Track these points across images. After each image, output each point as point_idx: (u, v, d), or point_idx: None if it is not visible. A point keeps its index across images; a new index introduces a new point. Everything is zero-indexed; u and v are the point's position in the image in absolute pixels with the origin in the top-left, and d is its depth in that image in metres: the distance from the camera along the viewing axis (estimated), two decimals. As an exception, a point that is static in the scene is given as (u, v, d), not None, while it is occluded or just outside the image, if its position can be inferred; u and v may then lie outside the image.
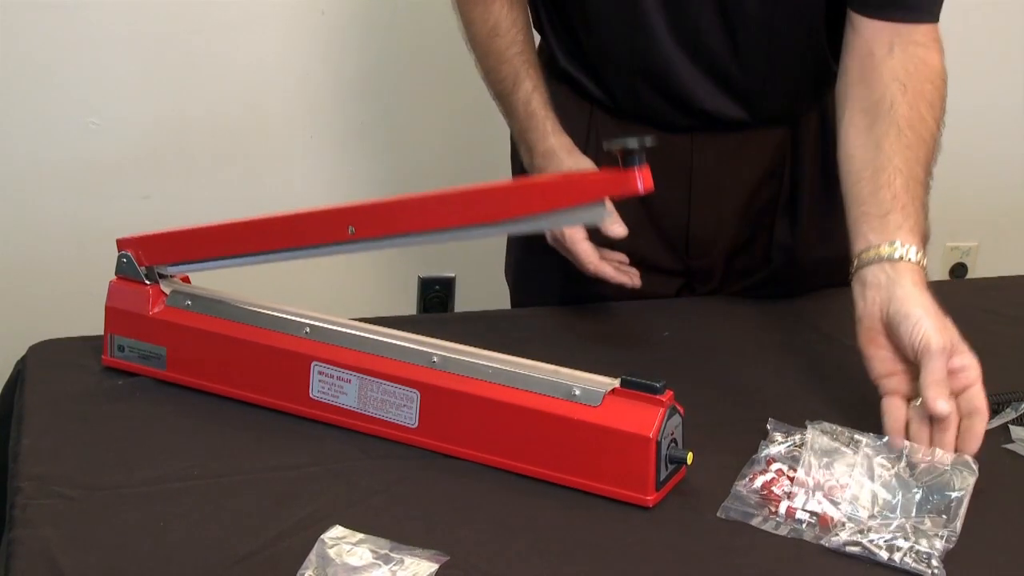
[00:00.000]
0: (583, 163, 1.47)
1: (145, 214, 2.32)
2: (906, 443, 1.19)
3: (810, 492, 1.13)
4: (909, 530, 1.09)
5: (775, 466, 1.17)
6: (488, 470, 1.18)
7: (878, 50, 1.38)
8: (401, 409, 1.21)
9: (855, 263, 1.32)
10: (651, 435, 1.11)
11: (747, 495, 1.14)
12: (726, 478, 1.17)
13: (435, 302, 2.60)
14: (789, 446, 1.20)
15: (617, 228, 1.38)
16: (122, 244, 1.32)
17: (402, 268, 2.57)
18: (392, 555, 1.01)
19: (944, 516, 1.11)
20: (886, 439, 1.19)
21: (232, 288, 1.33)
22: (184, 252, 1.31)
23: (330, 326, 1.26)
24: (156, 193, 2.35)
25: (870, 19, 1.38)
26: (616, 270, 1.45)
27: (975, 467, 1.16)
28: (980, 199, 2.76)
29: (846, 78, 1.41)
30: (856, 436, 1.19)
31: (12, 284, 2.33)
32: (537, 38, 1.59)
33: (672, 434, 1.14)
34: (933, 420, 1.19)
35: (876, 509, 1.12)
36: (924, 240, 1.32)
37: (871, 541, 1.07)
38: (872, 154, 1.35)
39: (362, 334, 1.25)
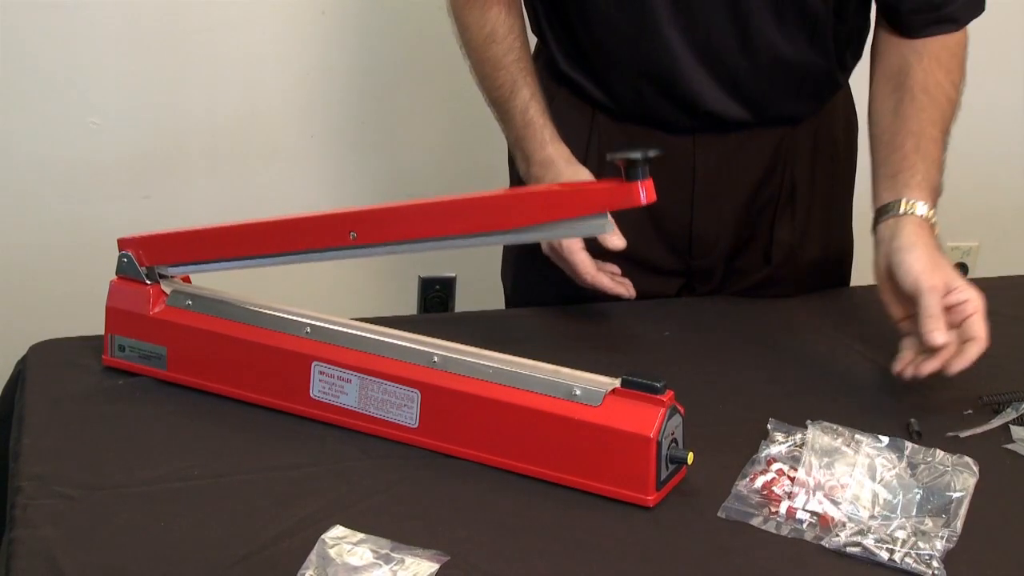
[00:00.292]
0: (581, 173, 1.46)
1: (145, 214, 2.32)
2: (907, 444, 1.19)
3: (811, 492, 1.13)
4: (910, 530, 1.09)
5: (776, 466, 1.17)
6: (488, 470, 1.18)
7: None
8: (401, 409, 1.21)
9: (874, 218, 1.41)
10: (652, 435, 1.11)
11: (748, 495, 1.14)
12: (726, 478, 1.17)
13: (435, 302, 2.60)
14: (790, 446, 1.20)
15: (616, 240, 1.39)
16: (123, 244, 1.32)
17: (402, 268, 2.57)
18: (393, 555, 1.01)
19: (944, 516, 1.11)
20: (887, 440, 1.19)
21: (233, 288, 1.33)
22: (185, 253, 1.31)
23: (331, 326, 1.26)
24: (156, 193, 2.34)
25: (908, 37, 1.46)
26: (612, 281, 1.45)
27: (975, 468, 1.17)
28: (980, 199, 2.75)
29: (874, 49, 1.49)
30: (857, 436, 1.19)
31: (12, 284, 2.33)
32: (533, 41, 1.59)
33: (672, 434, 1.14)
34: (934, 352, 1.28)
35: (877, 509, 1.12)
36: (934, 192, 1.43)
37: (871, 541, 1.07)
38: (889, 120, 1.44)
39: (362, 334, 1.25)
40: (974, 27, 1.67)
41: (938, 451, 1.18)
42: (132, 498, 1.11)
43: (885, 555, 1.06)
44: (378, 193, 2.43)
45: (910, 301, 1.32)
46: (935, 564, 1.05)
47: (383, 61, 2.40)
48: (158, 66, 2.28)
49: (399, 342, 1.23)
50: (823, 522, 1.11)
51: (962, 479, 1.15)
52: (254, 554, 1.04)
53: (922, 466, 1.17)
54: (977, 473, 1.16)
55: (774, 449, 1.20)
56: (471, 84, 2.32)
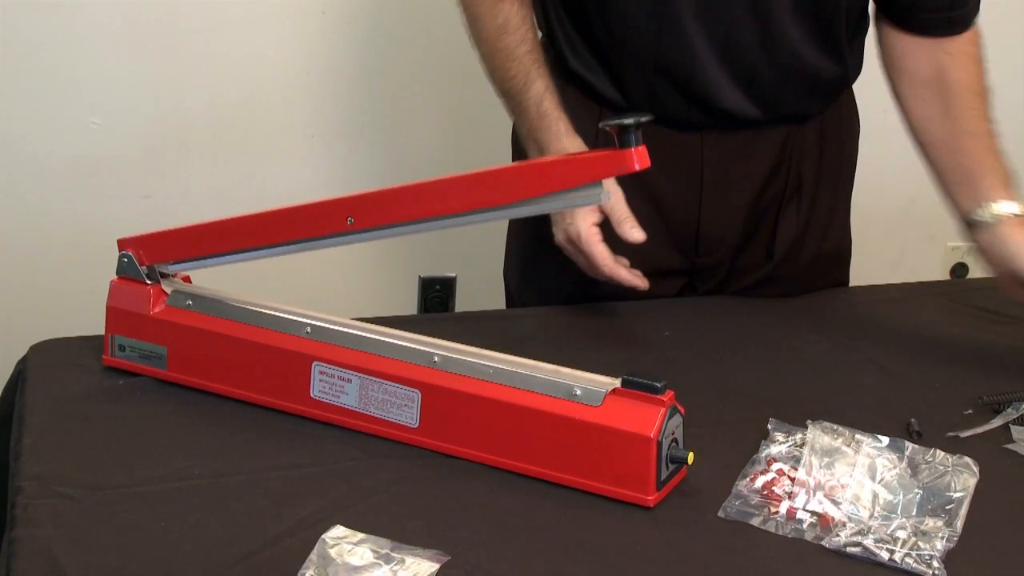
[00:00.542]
0: None
1: (145, 213, 2.32)
2: (907, 444, 1.19)
3: (811, 492, 1.13)
4: (910, 530, 1.09)
5: (776, 466, 1.17)
6: (489, 470, 1.18)
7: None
8: (402, 409, 1.21)
9: (966, 228, 1.49)
10: (652, 435, 1.11)
11: (748, 495, 1.14)
12: (727, 478, 1.17)
13: (435, 302, 2.60)
14: (790, 446, 1.20)
15: (636, 233, 1.40)
16: (123, 244, 1.32)
17: (403, 268, 2.57)
18: (393, 555, 1.01)
19: (945, 516, 1.11)
20: (887, 440, 1.19)
21: (233, 288, 1.33)
22: (184, 250, 1.31)
23: (331, 326, 1.26)
24: (157, 192, 2.34)
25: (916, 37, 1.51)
26: (629, 273, 1.45)
27: (976, 468, 1.17)
28: (980, 199, 2.75)
29: (893, 57, 1.53)
30: (857, 436, 1.19)
31: (12, 284, 2.33)
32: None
33: (673, 434, 1.14)
34: None
35: (877, 509, 1.12)
36: (1007, 181, 1.48)
37: (872, 541, 1.07)
38: (939, 124, 1.50)
39: (363, 334, 1.25)
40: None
41: (938, 451, 1.18)
42: (132, 498, 1.11)
43: (885, 555, 1.06)
44: (378, 193, 2.43)
45: None
46: (935, 564, 1.05)
47: (383, 61, 2.40)
48: (158, 66, 2.28)
49: (399, 342, 1.23)
50: (823, 522, 1.11)
51: (962, 479, 1.15)
52: (254, 554, 1.04)
53: (922, 466, 1.17)
54: (977, 473, 1.16)
55: (774, 449, 1.20)
56: (471, 83, 2.32)
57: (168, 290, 1.32)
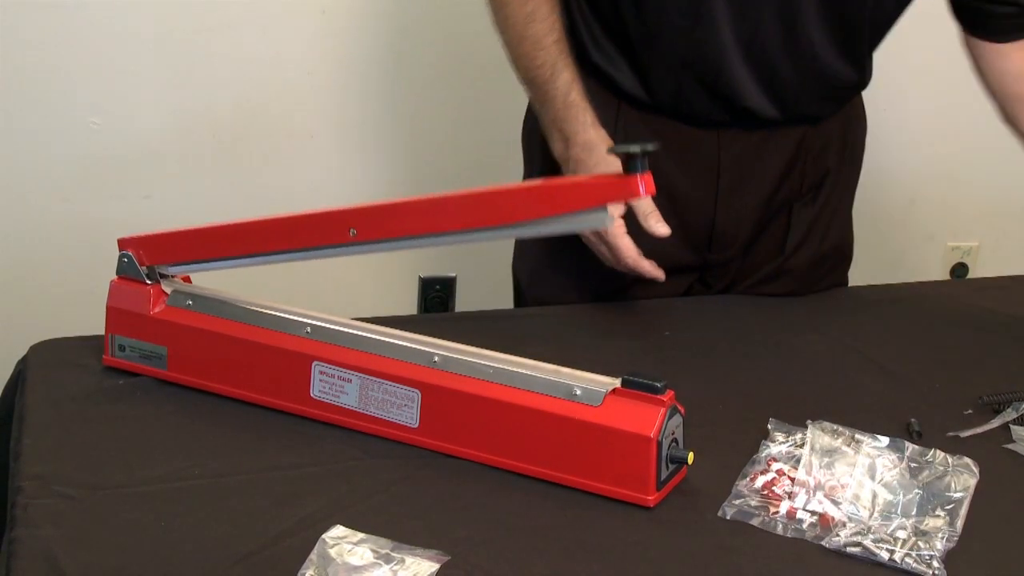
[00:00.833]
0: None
1: (146, 214, 2.32)
2: (907, 444, 1.19)
3: (811, 492, 1.13)
4: (910, 530, 1.09)
5: (776, 466, 1.17)
6: (488, 470, 1.18)
7: None
8: (402, 409, 1.21)
9: None
10: (652, 435, 1.11)
11: (748, 495, 1.14)
12: (727, 478, 1.17)
13: (435, 302, 2.60)
14: (790, 446, 1.20)
15: (661, 227, 1.41)
16: (123, 244, 1.32)
17: (403, 268, 2.57)
18: (393, 555, 1.01)
19: (945, 516, 1.11)
20: (887, 440, 1.19)
21: (233, 288, 1.33)
22: (185, 252, 1.31)
23: (331, 326, 1.26)
24: (157, 193, 2.34)
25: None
26: (651, 265, 1.46)
27: (976, 469, 1.17)
28: (980, 199, 2.76)
29: (992, 72, 1.58)
30: (857, 436, 1.19)
31: (12, 284, 2.33)
32: None
33: (673, 434, 1.14)
34: None
35: (877, 509, 1.12)
36: None
37: (872, 541, 1.07)
38: None
39: (363, 334, 1.25)
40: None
41: (938, 451, 1.18)
42: (132, 498, 1.11)
43: (885, 555, 1.06)
44: (378, 193, 2.43)
45: None
46: (935, 564, 1.05)
47: (384, 60, 2.40)
48: (158, 66, 2.28)
49: (399, 342, 1.23)
50: (823, 522, 1.11)
51: (962, 479, 1.15)
52: (254, 554, 1.04)
53: (922, 466, 1.17)
54: (977, 474, 1.16)
55: (774, 449, 1.20)
56: (472, 83, 2.32)
57: (168, 290, 1.32)
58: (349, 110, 2.41)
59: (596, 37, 1.55)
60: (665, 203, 1.49)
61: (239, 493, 1.12)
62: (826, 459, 1.16)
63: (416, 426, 1.21)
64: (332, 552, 1.00)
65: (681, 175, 1.54)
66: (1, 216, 2.29)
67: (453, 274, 2.59)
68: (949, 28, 1.57)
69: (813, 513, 1.12)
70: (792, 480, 1.15)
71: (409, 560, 1.01)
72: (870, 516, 1.11)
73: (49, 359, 1.35)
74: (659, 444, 1.12)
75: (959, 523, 1.10)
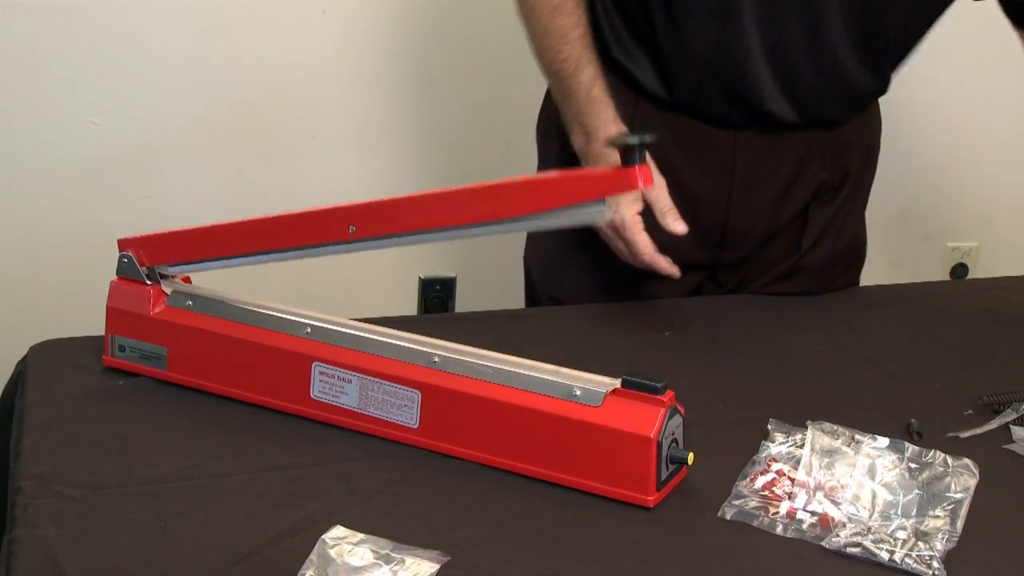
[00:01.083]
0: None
1: (146, 214, 2.32)
2: (907, 445, 1.19)
3: (811, 492, 1.13)
4: (910, 531, 1.09)
5: (776, 466, 1.17)
6: (488, 470, 1.18)
7: None
8: (402, 409, 1.21)
9: None
10: (652, 435, 1.11)
11: (748, 495, 1.14)
12: (727, 478, 1.17)
13: (435, 302, 2.60)
14: (790, 446, 1.20)
15: (679, 225, 1.43)
16: (123, 244, 1.32)
17: (402, 268, 2.57)
18: (393, 555, 1.01)
19: (945, 517, 1.11)
20: (887, 441, 1.19)
21: (233, 288, 1.33)
22: (185, 252, 1.31)
23: (331, 326, 1.26)
24: (156, 193, 2.34)
25: None
26: (667, 261, 1.47)
27: (975, 470, 1.17)
28: (980, 199, 2.76)
29: None
30: (857, 436, 1.19)
31: (12, 284, 2.33)
32: None
33: (673, 434, 1.14)
34: None
35: (877, 510, 1.12)
36: None
37: (872, 542, 1.07)
38: None
39: (363, 334, 1.25)
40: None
41: (938, 452, 1.18)
42: (132, 498, 1.11)
43: (885, 555, 1.06)
44: (379, 193, 2.41)
45: None
46: (935, 564, 1.05)
47: (384, 60, 2.40)
48: (158, 66, 2.28)
49: (399, 342, 1.23)
50: (823, 522, 1.11)
51: (962, 480, 1.15)
52: (254, 554, 1.04)
53: (922, 467, 1.17)
54: (977, 475, 1.16)
55: (774, 449, 1.20)
56: (472, 83, 2.32)
57: (168, 290, 1.32)
58: (349, 110, 2.41)
59: (618, 33, 1.56)
60: (679, 201, 1.49)
61: (239, 493, 1.12)
62: (826, 459, 1.16)
63: (416, 426, 1.21)
64: (332, 552, 1.00)
65: (696, 174, 1.54)
66: (1, 216, 2.29)
67: (453, 274, 2.59)
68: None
69: (813, 513, 1.12)
70: (792, 480, 1.15)
71: (409, 560, 1.01)
72: (870, 516, 1.11)
73: (49, 359, 1.35)
74: (659, 444, 1.12)
75: (959, 523, 1.10)
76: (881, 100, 1.69)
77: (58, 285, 2.33)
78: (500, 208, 1.17)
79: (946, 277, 2.81)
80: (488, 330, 1.43)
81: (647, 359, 1.44)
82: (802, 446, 1.18)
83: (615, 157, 1.46)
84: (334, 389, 1.24)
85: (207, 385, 1.29)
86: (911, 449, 1.19)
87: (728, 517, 1.12)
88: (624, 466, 1.13)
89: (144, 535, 1.06)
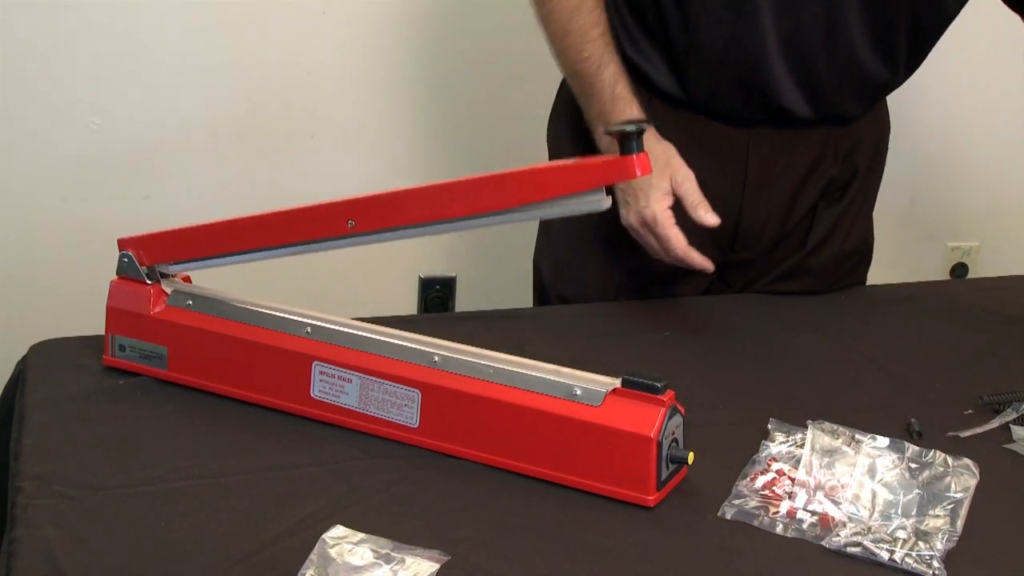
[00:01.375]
0: (670, 149, 1.49)
1: (145, 214, 2.32)
2: (907, 444, 1.19)
3: (811, 492, 1.13)
4: (910, 530, 1.09)
5: (776, 466, 1.17)
6: (489, 470, 1.18)
7: None
8: (402, 409, 1.21)
9: None
10: (652, 435, 1.11)
11: (748, 495, 1.14)
12: (727, 478, 1.17)
13: (435, 302, 2.60)
14: (790, 446, 1.20)
15: (711, 217, 1.44)
16: (123, 244, 1.32)
17: (403, 268, 2.57)
18: (393, 555, 1.01)
19: (945, 516, 1.11)
20: (888, 440, 1.19)
21: (233, 288, 1.33)
22: (185, 250, 1.31)
23: (331, 326, 1.26)
24: (156, 193, 2.34)
25: None
26: (700, 255, 1.47)
27: (976, 470, 1.17)
28: (980, 199, 2.76)
29: None
30: (857, 436, 1.19)
31: (12, 284, 2.33)
32: None
33: (673, 434, 1.14)
34: None
35: (877, 509, 1.12)
36: None
37: (872, 541, 1.07)
38: None
39: (363, 334, 1.25)
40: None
41: (938, 453, 1.18)
42: (132, 498, 1.11)
43: (886, 555, 1.06)
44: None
45: None
46: (935, 564, 1.05)
47: (384, 60, 2.40)
48: (158, 65, 2.28)
49: (399, 342, 1.23)
50: (823, 522, 1.11)
51: (962, 480, 1.15)
52: (254, 554, 1.04)
53: (922, 467, 1.17)
54: (977, 475, 1.16)
55: (774, 449, 1.20)
56: (472, 83, 2.32)
57: (168, 290, 1.32)
58: (349, 110, 2.41)
59: (631, 32, 1.56)
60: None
61: (239, 493, 1.12)
62: (826, 459, 1.16)
63: (416, 426, 1.21)
64: (332, 552, 1.00)
65: (709, 172, 1.54)
66: (1, 216, 2.29)
67: (453, 274, 2.59)
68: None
69: (813, 513, 1.12)
70: (792, 480, 1.15)
71: (409, 560, 1.01)
72: (870, 516, 1.11)
73: (49, 359, 1.35)
74: (659, 444, 1.12)
75: (959, 523, 1.10)
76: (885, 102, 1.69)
77: (58, 285, 2.33)
78: (499, 198, 1.17)
79: (946, 277, 2.81)
80: (488, 330, 1.43)
81: (647, 359, 1.44)
82: (802, 446, 1.18)
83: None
84: (334, 389, 1.24)
85: (207, 385, 1.29)
86: (911, 449, 1.19)
87: (728, 517, 1.12)
88: (624, 466, 1.13)
89: (144, 535, 1.06)
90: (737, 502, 1.13)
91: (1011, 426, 1.29)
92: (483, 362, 1.20)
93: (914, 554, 1.06)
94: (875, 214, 1.76)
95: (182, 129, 2.33)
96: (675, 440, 1.14)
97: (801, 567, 1.07)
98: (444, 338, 1.24)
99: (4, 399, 1.35)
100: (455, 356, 1.21)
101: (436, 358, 1.21)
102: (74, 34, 2.22)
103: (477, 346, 1.23)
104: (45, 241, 2.33)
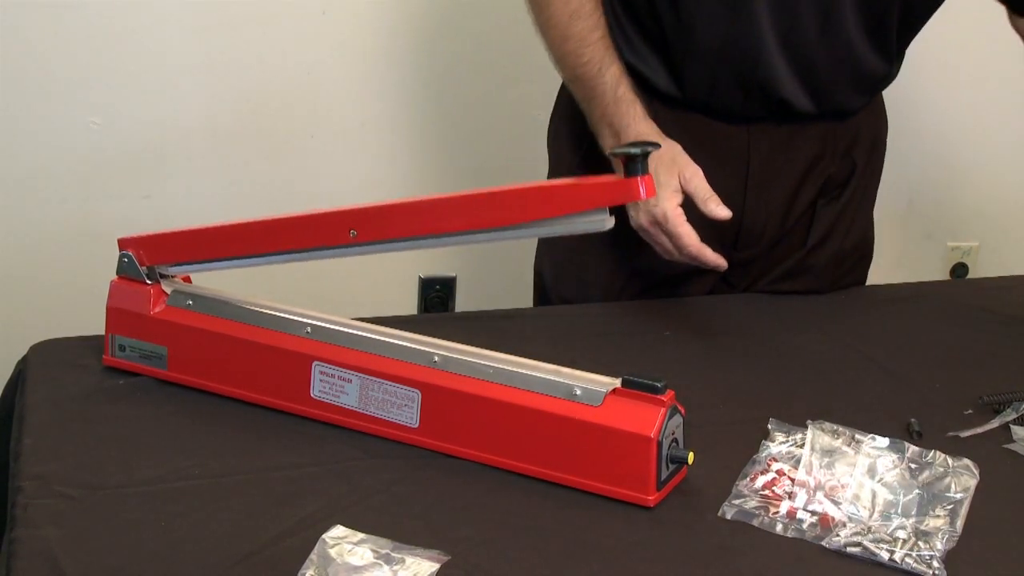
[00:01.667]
0: (675, 148, 1.48)
1: (145, 214, 2.32)
2: (907, 445, 1.19)
3: (811, 492, 1.13)
4: (910, 530, 1.09)
5: (776, 466, 1.17)
6: (489, 470, 1.18)
7: None
8: (402, 409, 1.21)
9: None
10: (652, 435, 1.11)
11: (748, 495, 1.14)
12: (727, 478, 1.17)
13: (435, 302, 2.60)
14: (790, 446, 1.20)
15: (721, 211, 1.43)
16: (123, 244, 1.32)
17: (402, 268, 2.57)
18: (393, 555, 1.01)
19: (945, 516, 1.11)
20: (888, 440, 1.19)
21: (233, 288, 1.33)
22: (185, 252, 1.31)
23: (331, 326, 1.26)
24: (156, 193, 2.34)
25: None
26: (713, 252, 1.46)
27: (976, 471, 1.17)
28: (980, 199, 2.76)
29: None
30: (857, 436, 1.19)
31: (13, 284, 2.33)
32: None
33: (673, 434, 1.14)
34: None
35: (877, 509, 1.12)
36: None
37: (872, 541, 1.07)
38: None
39: (363, 334, 1.25)
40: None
41: (938, 453, 1.18)
42: (133, 498, 1.11)
43: (885, 555, 1.06)
44: (378, 194, 2.43)
45: None
46: (935, 564, 1.05)
47: (384, 61, 2.40)
48: (158, 65, 2.28)
49: (399, 342, 1.23)
50: (823, 522, 1.11)
51: (962, 481, 1.15)
52: (254, 554, 1.04)
53: (922, 467, 1.17)
54: (977, 476, 1.16)
55: (774, 449, 1.20)
56: (472, 83, 2.32)
57: (168, 290, 1.32)
58: (349, 110, 2.41)
59: (628, 35, 1.56)
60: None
61: (239, 493, 1.12)
62: (826, 459, 1.16)
63: (416, 426, 1.21)
64: (332, 552, 1.00)
65: (711, 172, 1.54)
66: (1, 216, 2.29)
67: (453, 274, 2.59)
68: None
69: (813, 513, 1.12)
70: (792, 480, 1.15)
71: (409, 560, 1.01)
72: (870, 516, 1.11)
73: (49, 359, 1.35)
74: (659, 444, 1.12)
75: (959, 523, 1.10)
76: (882, 99, 1.69)
77: (58, 285, 2.33)
78: (502, 215, 1.17)
79: (946, 277, 2.81)
80: (488, 330, 1.43)
81: (647, 359, 1.44)
82: (802, 446, 1.18)
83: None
84: (334, 389, 1.24)
85: (207, 385, 1.29)
86: (911, 449, 1.19)
87: (728, 517, 1.12)
88: (624, 466, 1.13)
89: (144, 535, 1.06)
90: (737, 502, 1.13)
91: (1011, 426, 1.29)
92: (483, 362, 1.20)
93: (914, 554, 1.06)
94: (875, 214, 1.76)
95: (182, 129, 2.33)
96: (675, 440, 1.14)
97: (801, 567, 1.07)
98: (444, 338, 1.24)
99: (4, 399, 1.35)
100: (455, 356, 1.21)
101: (436, 358, 1.21)
102: (74, 34, 2.22)
103: (477, 346, 1.23)
104: (45, 241, 2.33)
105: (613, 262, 1.59)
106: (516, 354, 1.22)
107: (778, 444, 1.21)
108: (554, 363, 1.20)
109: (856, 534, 1.08)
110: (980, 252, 2.84)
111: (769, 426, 1.24)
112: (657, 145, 1.12)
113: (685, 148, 1.50)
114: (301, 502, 1.11)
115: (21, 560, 1.02)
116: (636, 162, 1.10)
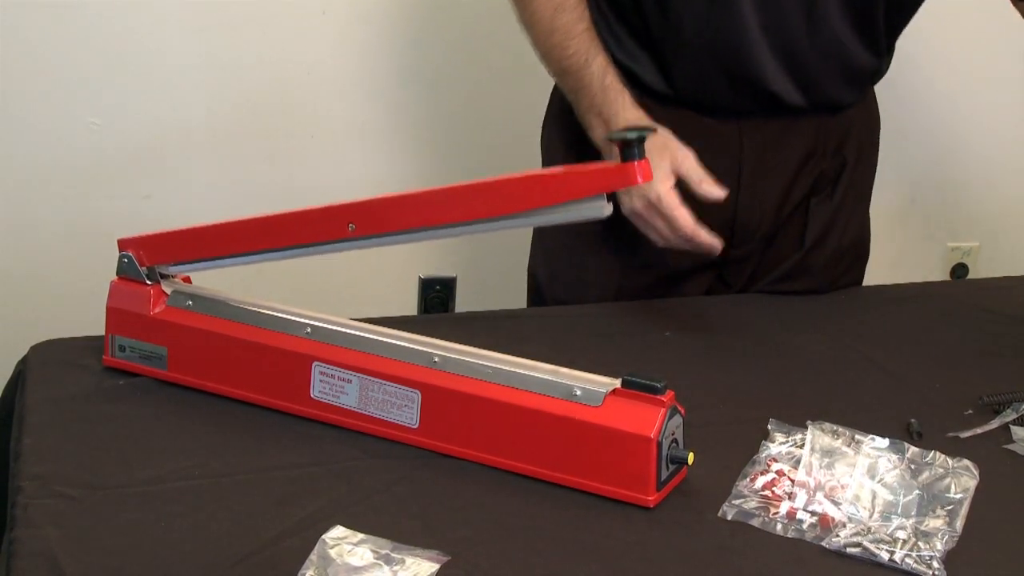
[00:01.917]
0: (666, 135, 1.48)
1: (146, 214, 2.32)
2: (907, 445, 1.19)
3: (811, 492, 1.13)
4: (910, 531, 1.09)
5: (776, 466, 1.17)
6: (488, 470, 1.18)
7: None
8: (402, 409, 1.21)
9: None
10: (652, 435, 1.11)
11: (748, 495, 1.14)
12: (727, 478, 1.17)
13: (435, 302, 2.60)
14: (790, 446, 1.20)
15: (716, 191, 1.43)
16: (123, 244, 1.32)
17: (402, 268, 2.57)
18: (393, 555, 1.01)
19: (945, 517, 1.11)
20: (888, 441, 1.19)
21: (233, 288, 1.33)
22: (185, 252, 1.31)
23: (331, 326, 1.26)
24: (156, 193, 2.34)
25: None
26: (708, 234, 1.46)
27: (976, 471, 1.17)
28: (980, 199, 2.76)
29: None
30: (857, 436, 1.19)
31: (13, 284, 2.33)
32: None
33: (673, 434, 1.14)
34: None
35: (877, 510, 1.12)
36: None
37: (872, 542, 1.07)
38: None
39: (363, 334, 1.25)
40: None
41: (938, 454, 1.18)
42: (132, 498, 1.11)
43: (885, 555, 1.06)
44: (379, 193, 2.43)
45: None
46: (935, 565, 1.05)
47: (384, 61, 2.40)
48: (158, 65, 2.28)
49: (399, 342, 1.23)
50: (823, 522, 1.11)
51: (962, 481, 1.15)
52: (254, 554, 1.04)
53: (922, 467, 1.17)
54: (977, 476, 1.16)
55: (774, 449, 1.20)
56: (473, 83, 2.32)
57: (168, 290, 1.32)
58: (349, 110, 2.41)
59: (616, 33, 1.56)
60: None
61: (239, 493, 1.13)
62: (826, 459, 1.16)
63: (416, 426, 1.21)
64: (332, 552, 1.00)
65: (705, 169, 1.54)
66: (1, 216, 2.29)
67: (453, 274, 2.58)
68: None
69: (813, 513, 1.12)
70: (792, 480, 1.15)
71: (409, 560, 1.01)
72: (870, 516, 1.11)
73: (49, 359, 1.35)
74: (659, 444, 1.12)
75: (959, 523, 1.10)
76: (881, 99, 1.69)
77: (58, 285, 2.33)
78: (500, 204, 1.17)
79: (946, 277, 2.81)
80: (488, 330, 1.43)
81: (647, 359, 1.44)
82: (802, 446, 1.18)
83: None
84: (334, 389, 1.24)
85: (207, 385, 1.29)
86: (911, 449, 1.19)
87: (728, 517, 1.12)
88: (624, 466, 1.13)
89: (144, 535, 1.06)
90: (737, 502, 1.13)
91: (1011, 426, 1.29)
92: (483, 362, 1.20)
93: (914, 555, 1.06)
94: (874, 214, 1.76)
95: (182, 129, 2.33)
96: (675, 440, 1.14)
97: (801, 567, 1.07)
98: (444, 338, 1.24)
99: (4, 399, 1.35)
100: (455, 356, 1.21)
101: (436, 358, 1.21)
102: (74, 34, 2.22)
103: (477, 346, 1.23)
104: (45, 241, 2.33)
105: (610, 261, 1.59)
106: (516, 354, 1.22)
107: (778, 444, 1.21)
108: (554, 363, 1.20)
109: (856, 534, 1.08)
110: (980, 252, 2.84)
111: (769, 426, 1.24)
112: (653, 129, 1.13)
113: None
114: (301, 502, 1.11)
115: (21, 560, 1.02)
116: (632, 147, 1.10)
